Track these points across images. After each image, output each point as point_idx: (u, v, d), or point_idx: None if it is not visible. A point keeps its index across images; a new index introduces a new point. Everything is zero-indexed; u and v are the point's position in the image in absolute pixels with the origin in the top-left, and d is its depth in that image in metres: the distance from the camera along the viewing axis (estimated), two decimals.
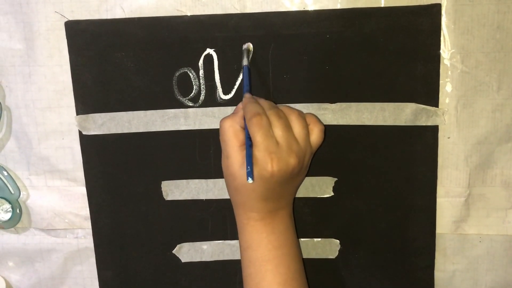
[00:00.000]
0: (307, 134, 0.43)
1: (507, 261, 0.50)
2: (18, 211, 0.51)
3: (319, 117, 0.47)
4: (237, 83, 0.47)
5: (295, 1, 0.46)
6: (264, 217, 0.43)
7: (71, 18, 0.47)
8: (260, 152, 0.40)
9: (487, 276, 0.50)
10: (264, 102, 0.43)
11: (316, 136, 0.43)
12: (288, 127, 0.41)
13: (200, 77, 0.47)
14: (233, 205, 0.45)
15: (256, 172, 0.39)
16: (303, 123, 0.42)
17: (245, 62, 0.45)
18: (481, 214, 0.49)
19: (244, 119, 0.42)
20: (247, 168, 0.39)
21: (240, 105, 0.44)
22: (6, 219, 0.51)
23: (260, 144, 0.40)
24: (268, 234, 0.43)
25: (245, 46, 0.46)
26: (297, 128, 0.42)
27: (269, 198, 0.42)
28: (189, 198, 0.50)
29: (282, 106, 0.44)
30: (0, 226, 0.51)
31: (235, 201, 0.44)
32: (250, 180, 0.39)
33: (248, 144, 0.40)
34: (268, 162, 0.39)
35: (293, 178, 0.43)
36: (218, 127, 0.48)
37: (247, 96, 0.44)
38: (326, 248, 0.51)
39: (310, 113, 0.45)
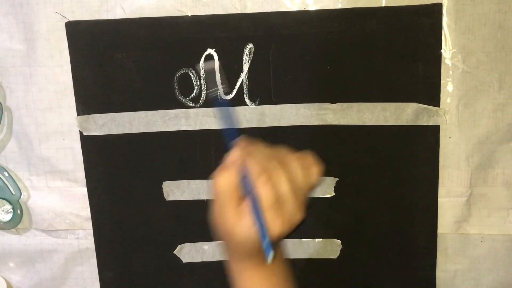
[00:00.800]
0: (307, 177, 0.40)
1: (508, 261, 0.50)
2: (19, 211, 0.51)
3: (319, 116, 0.47)
4: (238, 83, 0.47)
5: (295, 1, 0.45)
6: (262, 263, 0.41)
7: (71, 19, 0.47)
8: (270, 216, 0.36)
9: (489, 276, 0.50)
10: (259, 151, 0.39)
11: (314, 178, 0.40)
12: (291, 178, 0.39)
13: (201, 77, 0.47)
14: (226, 253, 0.41)
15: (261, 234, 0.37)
16: (302, 167, 0.39)
17: (214, 91, 0.41)
18: (483, 214, 0.49)
19: (243, 173, 0.38)
20: (265, 247, 0.36)
21: (234, 153, 0.39)
22: (7, 220, 0.51)
23: (271, 208, 0.36)
24: (267, 277, 0.41)
25: (206, 67, 0.42)
26: (299, 175, 0.39)
27: None
28: (190, 198, 0.50)
29: (277, 150, 0.39)
30: (1, 227, 0.51)
31: (231, 254, 0.41)
32: (269, 259, 0.35)
33: (256, 210, 0.36)
34: (279, 225, 0.36)
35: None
36: (219, 127, 0.48)
37: (240, 145, 0.39)
38: (327, 248, 0.51)
39: (307, 155, 0.42)
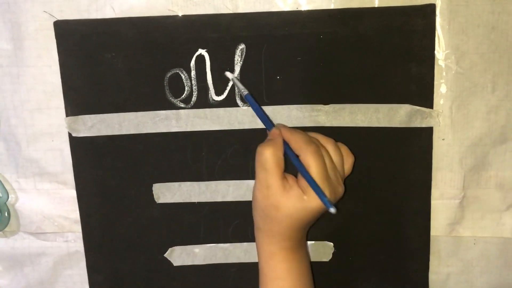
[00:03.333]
0: (343, 163, 0.42)
1: (501, 263, 0.50)
2: (6, 214, 0.50)
3: (312, 118, 0.47)
4: (230, 84, 0.47)
5: (288, 1, 0.45)
6: (295, 245, 0.42)
7: (60, 18, 0.46)
8: (319, 181, 0.38)
9: (482, 278, 0.50)
10: (299, 131, 0.42)
11: (348, 166, 0.43)
12: (330, 156, 0.41)
13: (192, 78, 0.47)
14: (261, 235, 0.43)
15: (312, 202, 0.38)
16: (339, 152, 0.42)
17: (244, 91, 0.44)
18: (476, 216, 0.49)
19: (286, 147, 0.40)
20: (323, 198, 0.37)
21: (275, 131, 0.42)
22: None
23: (320, 174, 0.38)
24: (297, 262, 0.42)
25: (230, 76, 0.45)
26: (334, 157, 0.41)
27: (307, 226, 0.42)
28: (181, 201, 0.49)
29: (316, 135, 0.43)
30: None
31: (269, 231, 0.42)
32: (333, 210, 0.37)
33: (307, 174, 0.38)
34: (326, 193, 0.38)
35: None
36: (210, 128, 0.47)
37: (280, 124, 0.43)
38: (320, 251, 0.50)
39: (342, 144, 0.44)
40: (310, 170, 0.39)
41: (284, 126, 0.43)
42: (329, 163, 0.40)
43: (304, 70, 0.46)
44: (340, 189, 0.41)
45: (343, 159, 0.42)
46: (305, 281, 0.43)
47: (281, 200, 0.39)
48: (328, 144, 0.42)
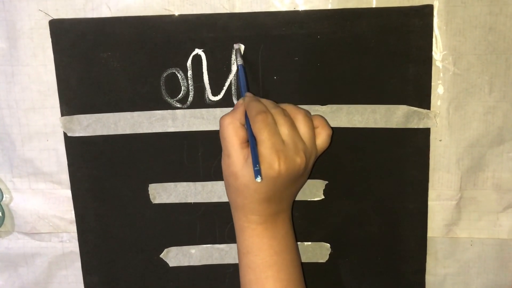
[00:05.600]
0: (313, 135, 0.41)
1: (498, 264, 0.50)
2: (0, 214, 0.50)
3: None
4: (226, 84, 0.47)
5: (285, 1, 0.45)
6: (265, 221, 0.41)
7: (55, 17, 0.46)
8: (266, 150, 0.38)
9: (478, 279, 0.50)
10: (266, 101, 0.41)
11: (322, 139, 0.42)
12: (293, 126, 0.40)
13: (189, 78, 0.46)
14: (232, 208, 0.43)
15: (262, 171, 0.38)
16: (310, 123, 0.41)
17: (239, 61, 0.44)
18: (473, 217, 0.49)
19: (246, 117, 0.40)
20: (254, 166, 0.37)
21: (240, 101, 0.42)
22: None
23: (267, 142, 0.38)
24: (269, 239, 0.42)
25: (236, 46, 0.45)
26: (302, 128, 0.40)
27: (272, 200, 0.40)
28: (177, 201, 0.49)
29: (288, 105, 0.42)
30: None
31: (235, 203, 0.42)
32: (258, 179, 0.37)
33: (253, 141, 0.39)
34: (275, 161, 0.38)
35: (297, 179, 0.41)
36: (206, 129, 0.47)
37: (248, 94, 0.43)
38: (316, 252, 0.50)
39: (319, 115, 0.43)
40: (256, 138, 0.39)
41: (250, 96, 0.42)
42: (289, 132, 0.39)
43: (301, 71, 0.46)
44: (299, 160, 0.39)
45: (313, 131, 0.41)
46: (280, 260, 0.42)
47: (239, 169, 0.39)
48: (298, 114, 0.41)
